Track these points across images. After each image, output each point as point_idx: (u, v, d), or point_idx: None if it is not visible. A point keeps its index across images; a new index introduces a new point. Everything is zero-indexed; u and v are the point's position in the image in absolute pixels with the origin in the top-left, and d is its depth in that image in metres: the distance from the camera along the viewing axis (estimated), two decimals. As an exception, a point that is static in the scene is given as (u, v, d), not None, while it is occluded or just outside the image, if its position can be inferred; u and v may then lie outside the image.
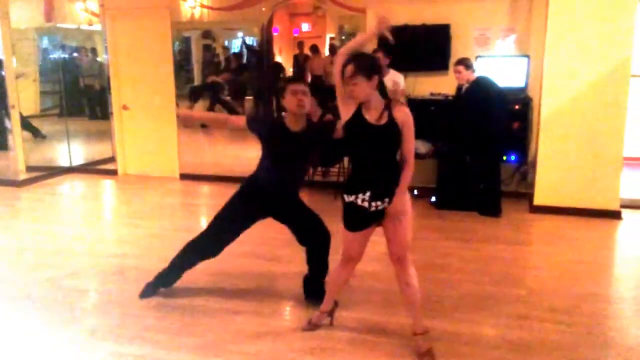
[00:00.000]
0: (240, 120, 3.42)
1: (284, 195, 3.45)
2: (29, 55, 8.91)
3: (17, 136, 7.46)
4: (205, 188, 7.08)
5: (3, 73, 7.20)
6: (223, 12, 9.58)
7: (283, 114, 3.44)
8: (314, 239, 3.49)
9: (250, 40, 11.47)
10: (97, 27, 8.54)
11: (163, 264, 4.35)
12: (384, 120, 2.78)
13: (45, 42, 9.68)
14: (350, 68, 2.75)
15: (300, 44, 11.09)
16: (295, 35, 13.27)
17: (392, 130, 2.78)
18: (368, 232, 2.98)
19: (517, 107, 5.77)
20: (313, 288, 3.56)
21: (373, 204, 2.84)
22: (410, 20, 6.08)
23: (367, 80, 2.75)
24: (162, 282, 3.73)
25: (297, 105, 3.21)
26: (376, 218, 2.91)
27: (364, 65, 2.76)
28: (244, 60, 10.99)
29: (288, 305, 3.61)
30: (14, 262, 4.50)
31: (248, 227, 3.54)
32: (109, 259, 4.48)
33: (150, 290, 3.71)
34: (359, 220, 2.93)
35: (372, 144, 2.81)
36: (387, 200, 2.84)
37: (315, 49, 10.80)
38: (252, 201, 3.45)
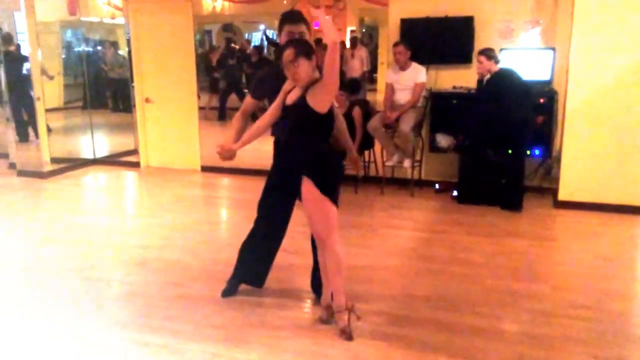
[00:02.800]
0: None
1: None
2: (54, 49, 9.04)
3: (42, 128, 7.57)
4: (226, 181, 7.12)
5: (28, 67, 7.31)
6: (244, 4, 9.61)
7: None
8: None
9: (271, 33, 11.49)
10: (120, 20, 8.64)
11: (185, 255, 4.42)
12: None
13: (69, 36, 9.81)
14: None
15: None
16: (316, 28, 13.26)
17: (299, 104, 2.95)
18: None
19: (542, 100, 5.68)
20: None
21: None
22: (432, 12, 6.02)
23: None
24: (240, 277, 3.65)
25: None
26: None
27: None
28: (265, 53, 11.02)
29: (310, 298, 3.61)
30: (38, 253, 4.58)
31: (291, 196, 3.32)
32: (132, 250, 4.54)
33: (229, 287, 3.65)
34: None
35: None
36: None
37: (317, 42, 10.81)
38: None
